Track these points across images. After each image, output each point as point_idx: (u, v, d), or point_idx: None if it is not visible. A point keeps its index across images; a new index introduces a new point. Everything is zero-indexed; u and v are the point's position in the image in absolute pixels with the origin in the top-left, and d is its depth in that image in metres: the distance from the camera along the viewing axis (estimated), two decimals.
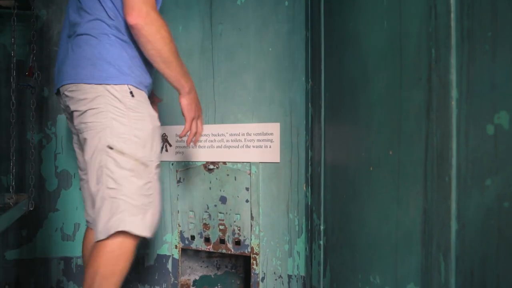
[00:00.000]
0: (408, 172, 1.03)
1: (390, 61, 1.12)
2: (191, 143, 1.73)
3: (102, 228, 1.36)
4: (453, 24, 0.85)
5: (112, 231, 1.35)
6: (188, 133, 1.61)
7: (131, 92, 1.38)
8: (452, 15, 0.85)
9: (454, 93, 0.85)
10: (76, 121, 1.43)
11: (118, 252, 1.37)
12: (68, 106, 1.45)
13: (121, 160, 1.36)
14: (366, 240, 1.22)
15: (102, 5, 1.39)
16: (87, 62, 1.39)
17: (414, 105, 1.01)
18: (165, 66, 1.42)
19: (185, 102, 1.52)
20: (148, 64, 1.47)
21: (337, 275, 1.43)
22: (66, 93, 1.43)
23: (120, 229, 1.34)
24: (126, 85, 1.38)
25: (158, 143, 1.45)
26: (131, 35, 1.39)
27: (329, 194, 1.51)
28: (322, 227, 1.58)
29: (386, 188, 1.12)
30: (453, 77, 0.86)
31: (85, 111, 1.40)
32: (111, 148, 1.36)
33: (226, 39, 2.05)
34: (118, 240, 1.37)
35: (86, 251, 1.66)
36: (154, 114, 1.44)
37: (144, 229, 1.38)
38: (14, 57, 1.84)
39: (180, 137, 1.64)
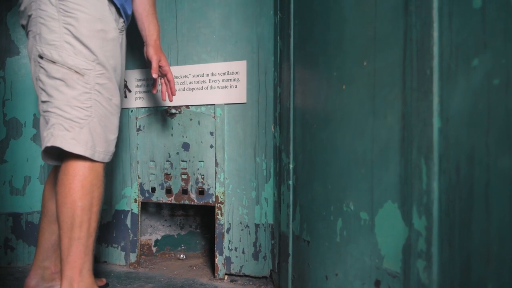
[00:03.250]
0: (385, 78, 0.93)
1: None
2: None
3: (41, 145, 1.27)
4: None
5: (43, 146, 1.24)
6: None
7: None
8: None
9: None
10: None
11: (73, 178, 1.26)
12: None
13: (51, 69, 1.23)
14: (339, 167, 1.12)
15: None
16: None
17: (391, 2, 0.91)
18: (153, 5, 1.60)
19: (157, 43, 1.60)
20: None
21: (307, 214, 1.32)
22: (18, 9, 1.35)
23: (49, 144, 1.22)
24: None
25: (103, 50, 1.30)
26: None
27: (299, 129, 1.40)
28: (291, 166, 1.47)
29: (361, 102, 1.02)
30: None
31: (26, 23, 1.32)
32: (41, 57, 1.24)
33: None
34: (70, 164, 1.26)
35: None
36: (100, 17, 1.29)
37: (79, 146, 1.24)
38: None
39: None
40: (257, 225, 1.79)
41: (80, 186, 1.24)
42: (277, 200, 1.67)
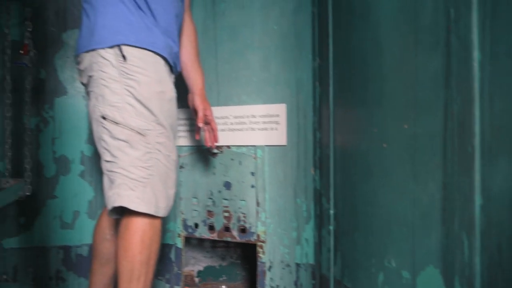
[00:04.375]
0: (425, 146, 0.95)
1: (404, 28, 1.05)
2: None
3: (106, 204, 1.33)
4: None
5: (110, 207, 1.31)
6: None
7: (123, 56, 1.29)
8: None
9: (476, 54, 0.80)
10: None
11: (134, 233, 1.31)
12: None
13: (115, 130, 1.29)
14: (380, 222, 1.15)
15: None
16: (86, 31, 1.36)
17: (431, 72, 0.94)
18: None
19: (202, 93, 1.70)
20: (165, 27, 1.41)
21: (348, 261, 1.35)
22: (76, 66, 1.43)
23: (116, 204, 1.28)
24: (117, 47, 1.30)
25: (162, 111, 1.36)
26: None
27: (339, 177, 1.44)
28: (331, 212, 1.50)
29: (402, 164, 1.04)
30: (475, 36, 0.80)
31: (87, 82, 1.39)
32: (104, 118, 1.29)
33: (229, 18, 1.96)
34: (132, 220, 1.32)
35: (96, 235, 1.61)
36: (159, 79, 1.36)
37: (142, 205, 1.29)
38: (9, 35, 1.77)
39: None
40: (298, 265, 1.83)
41: (140, 242, 1.30)
42: (318, 242, 1.71)
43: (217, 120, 1.94)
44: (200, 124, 1.63)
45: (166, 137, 1.37)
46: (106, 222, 1.56)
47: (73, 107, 2.11)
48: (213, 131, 1.71)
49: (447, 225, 0.87)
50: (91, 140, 2.05)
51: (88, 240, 2.09)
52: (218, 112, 1.94)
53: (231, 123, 1.91)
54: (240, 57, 1.94)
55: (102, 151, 1.35)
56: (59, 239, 2.10)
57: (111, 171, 1.31)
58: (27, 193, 1.75)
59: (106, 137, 1.31)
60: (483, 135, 0.77)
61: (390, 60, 1.12)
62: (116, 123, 1.29)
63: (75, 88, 2.11)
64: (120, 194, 1.28)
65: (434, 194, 0.92)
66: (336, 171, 1.47)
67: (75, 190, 2.10)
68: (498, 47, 0.74)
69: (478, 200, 0.78)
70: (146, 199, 1.30)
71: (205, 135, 1.74)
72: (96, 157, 2.09)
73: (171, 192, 1.41)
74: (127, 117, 1.29)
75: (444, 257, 0.89)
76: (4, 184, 1.73)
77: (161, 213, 1.35)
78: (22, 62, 1.74)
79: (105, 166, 1.34)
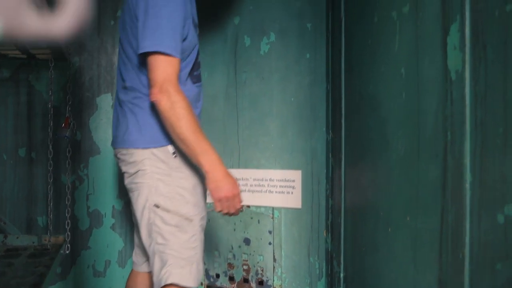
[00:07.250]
0: (425, 240, 1.09)
1: (408, 132, 1.18)
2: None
3: (156, 279, 1.48)
4: (467, 111, 0.89)
5: (163, 283, 1.46)
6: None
7: (173, 153, 1.47)
8: (467, 102, 0.89)
9: (468, 176, 0.90)
10: (126, 181, 1.55)
11: None
12: (120, 167, 1.59)
13: (167, 217, 1.46)
14: None
15: (138, 76, 1.51)
16: (134, 129, 1.51)
17: (431, 178, 1.07)
18: (180, 142, 1.40)
19: (207, 182, 1.44)
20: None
21: None
22: (118, 155, 1.57)
23: (169, 281, 1.44)
24: (167, 146, 1.47)
25: (200, 197, 1.55)
26: None
27: (349, 244, 1.60)
28: (342, 275, 1.67)
29: (404, 250, 1.19)
30: (467, 161, 0.90)
31: (135, 172, 1.52)
32: (157, 206, 1.47)
33: (250, 87, 2.16)
34: None
35: None
36: (195, 171, 1.53)
37: (191, 280, 1.46)
38: (52, 108, 1.96)
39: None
40: None
41: None
42: None
43: (238, 182, 2.11)
44: None
45: (204, 219, 1.57)
46: (133, 283, 1.75)
47: (105, 165, 2.30)
48: None
49: None
50: (121, 195, 2.25)
51: (117, 286, 2.27)
52: (239, 174, 2.13)
53: (251, 185, 2.10)
54: (259, 124, 2.14)
55: (155, 234, 1.50)
56: (92, 286, 2.28)
57: (163, 252, 1.48)
58: (67, 252, 1.93)
59: (158, 222, 1.48)
60: (472, 247, 0.90)
61: (395, 156, 1.27)
62: (168, 210, 1.47)
63: (107, 148, 2.29)
64: (172, 272, 1.45)
65: (431, 285, 1.08)
66: (346, 238, 1.63)
67: (107, 241, 2.30)
68: (487, 174, 0.87)
69: None
70: (192, 274, 1.48)
71: None
72: (125, 210, 2.29)
73: (202, 264, 1.59)
74: (178, 205, 1.47)
75: None
76: (45, 241, 1.93)
77: (198, 283, 1.53)
78: (64, 135, 1.90)
79: (157, 247, 1.50)
